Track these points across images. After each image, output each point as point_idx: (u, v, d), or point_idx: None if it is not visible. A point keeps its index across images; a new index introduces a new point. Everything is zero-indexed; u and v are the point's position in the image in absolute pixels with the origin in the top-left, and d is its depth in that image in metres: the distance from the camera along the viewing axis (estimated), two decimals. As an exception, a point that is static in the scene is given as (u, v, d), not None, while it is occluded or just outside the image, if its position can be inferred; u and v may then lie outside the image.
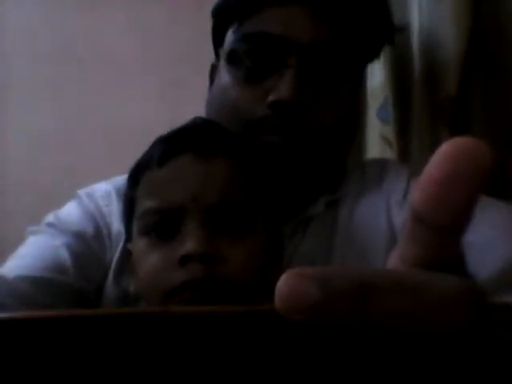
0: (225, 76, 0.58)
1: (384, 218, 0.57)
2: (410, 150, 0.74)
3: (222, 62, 0.59)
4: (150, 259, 0.45)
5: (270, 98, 0.53)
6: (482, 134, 0.71)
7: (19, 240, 0.59)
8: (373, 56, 0.63)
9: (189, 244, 0.43)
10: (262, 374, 0.16)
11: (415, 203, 0.18)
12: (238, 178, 0.47)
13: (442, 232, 0.18)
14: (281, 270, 0.50)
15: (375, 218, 0.57)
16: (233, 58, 0.57)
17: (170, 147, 0.47)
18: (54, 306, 0.50)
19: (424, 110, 0.71)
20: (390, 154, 0.78)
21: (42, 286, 0.50)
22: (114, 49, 1.31)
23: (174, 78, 1.26)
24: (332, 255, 0.56)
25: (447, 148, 0.17)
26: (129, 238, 0.51)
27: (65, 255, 0.54)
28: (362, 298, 0.16)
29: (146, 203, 0.47)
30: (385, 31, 0.60)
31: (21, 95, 1.33)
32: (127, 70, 1.31)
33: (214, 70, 0.64)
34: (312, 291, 0.16)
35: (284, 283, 0.16)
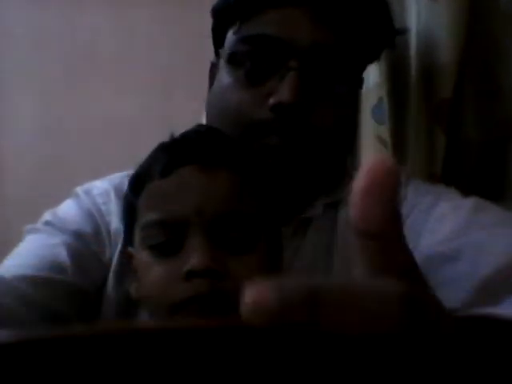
0: (225, 77, 0.58)
1: None
2: (406, 150, 0.75)
3: (223, 63, 0.59)
4: (154, 273, 0.45)
5: (271, 100, 0.53)
6: (474, 135, 0.73)
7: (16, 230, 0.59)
8: (373, 58, 0.63)
9: (194, 260, 0.43)
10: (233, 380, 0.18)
11: (350, 216, 0.21)
12: (241, 190, 0.47)
13: (374, 239, 0.21)
14: (281, 272, 0.50)
15: None
16: (233, 60, 0.57)
17: (173, 158, 0.47)
18: (52, 305, 0.50)
19: (420, 112, 0.72)
20: (384, 153, 0.79)
21: (41, 286, 0.50)
22: (101, 44, 1.31)
23: (163, 68, 1.26)
24: (332, 257, 0.56)
25: (366, 166, 0.21)
26: (129, 240, 0.51)
27: (63, 254, 0.53)
28: (309, 305, 0.18)
29: (148, 215, 0.47)
30: (386, 34, 0.60)
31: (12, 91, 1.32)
32: (116, 64, 1.30)
33: (213, 68, 0.64)
34: (269, 300, 0.18)
35: (247, 295, 0.18)
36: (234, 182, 0.47)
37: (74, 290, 0.52)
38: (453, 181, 0.67)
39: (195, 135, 0.50)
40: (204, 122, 0.99)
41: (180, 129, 0.52)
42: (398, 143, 0.76)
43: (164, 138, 0.52)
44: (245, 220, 0.46)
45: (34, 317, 0.48)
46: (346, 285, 0.20)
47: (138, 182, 0.49)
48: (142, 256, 0.47)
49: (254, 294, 0.18)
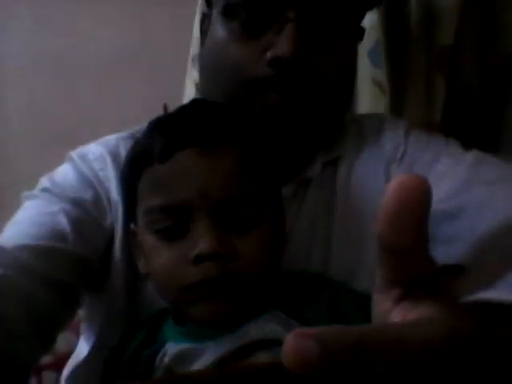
0: (219, 30, 0.55)
1: (382, 177, 0.57)
2: (404, 96, 0.74)
3: (216, 14, 0.56)
4: (161, 257, 0.45)
5: (270, 54, 0.50)
6: (474, 81, 0.71)
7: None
8: (373, 5, 0.60)
9: (202, 244, 0.43)
10: None
11: (376, 232, 0.22)
12: (243, 170, 0.46)
13: (399, 255, 0.22)
14: (285, 243, 0.51)
15: (374, 177, 0.57)
16: (228, 11, 0.54)
17: (171, 142, 0.46)
18: (54, 274, 0.49)
19: (420, 57, 0.70)
20: (381, 97, 0.77)
21: (42, 255, 0.49)
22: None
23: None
24: (333, 216, 0.56)
25: (395, 185, 0.21)
26: (130, 217, 0.51)
27: (63, 222, 0.53)
28: (354, 354, 0.19)
29: (150, 200, 0.46)
30: None
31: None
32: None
33: (205, 20, 0.61)
34: (311, 350, 0.18)
35: (289, 342, 0.18)
36: (235, 161, 0.46)
37: (75, 258, 0.52)
38: (451, 129, 0.66)
39: (192, 115, 0.49)
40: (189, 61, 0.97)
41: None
42: (396, 88, 0.75)
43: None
44: (249, 199, 0.46)
45: (37, 287, 0.47)
46: (389, 332, 0.20)
47: (137, 165, 0.48)
48: (147, 239, 0.47)
49: (295, 343, 0.18)
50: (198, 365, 0.43)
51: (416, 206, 0.21)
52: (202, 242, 0.43)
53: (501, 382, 0.22)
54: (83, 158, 0.59)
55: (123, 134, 0.62)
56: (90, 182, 0.57)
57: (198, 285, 0.43)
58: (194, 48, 0.93)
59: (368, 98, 0.79)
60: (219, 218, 0.44)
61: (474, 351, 0.21)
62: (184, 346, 0.45)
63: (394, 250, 0.22)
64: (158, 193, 0.46)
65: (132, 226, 0.51)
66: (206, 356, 0.43)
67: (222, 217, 0.44)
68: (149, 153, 0.47)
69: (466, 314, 0.24)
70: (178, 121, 0.48)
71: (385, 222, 0.22)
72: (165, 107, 0.52)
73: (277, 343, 0.41)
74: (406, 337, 0.20)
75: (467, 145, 0.58)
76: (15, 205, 0.57)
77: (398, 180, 0.21)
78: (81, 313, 0.61)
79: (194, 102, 0.52)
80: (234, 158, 0.46)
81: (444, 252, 0.49)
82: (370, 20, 0.74)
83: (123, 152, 0.58)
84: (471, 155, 0.56)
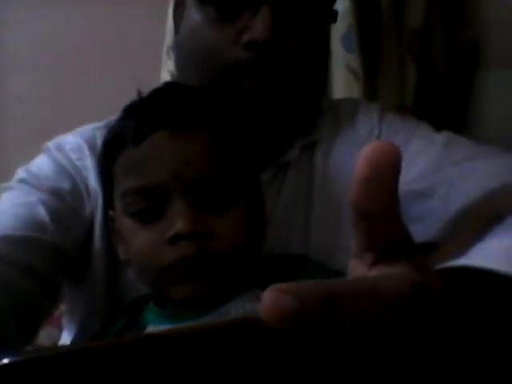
0: (194, 15, 0.55)
1: None
2: (377, 81, 0.75)
3: (191, 0, 0.56)
4: (139, 239, 0.46)
5: (246, 38, 0.51)
6: (442, 64, 0.73)
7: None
8: None
9: (178, 224, 0.43)
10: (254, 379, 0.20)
11: (351, 198, 0.23)
12: (216, 149, 0.46)
13: (373, 220, 0.23)
14: (264, 227, 0.51)
15: (350, 160, 0.58)
16: None
17: (144, 124, 0.46)
18: (33, 264, 0.49)
19: (391, 41, 0.71)
20: (355, 83, 0.78)
21: (20, 245, 0.49)
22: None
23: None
24: (311, 201, 0.57)
25: (367, 152, 0.22)
26: (109, 204, 0.51)
27: (42, 212, 0.53)
28: (328, 306, 0.19)
29: (125, 183, 0.46)
30: None
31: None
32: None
33: (179, 7, 0.61)
34: (288, 304, 0.19)
35: (266, 298, 0.19)
36: (208, 142, 0.46)
37: (54, 248, 0.52)
38: (423, 112, 0.68)
39: (164, 97, 0.49)
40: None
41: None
42: (369, 73, 0.76)
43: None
44: (223, 179, 0.46)
45: (16, 276, 0.47)
46: (361, 283, 0.21)
47: (111, 149, 0.49)
48: (125, 223, 0.47)
49: (274, 298, 0.19)
50: None
51: (387, 170, 0.22)
52: (178, 221, 0.43)
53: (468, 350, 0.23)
54: (59, 148, 0.59)
55: (100, 123, 0.62)
56: (66, 171, 0.57)
57: (176, 265, 0.44)
58: (169, 38, 0.93)
59: (342, 84, 0.80)
60: (195, 198, 0.45)
61: (442, 309, 0.22)
62: (164, 327, 0.45)
63: (367, 215, 0.23)
64: (132, 175, 0.46)
65: (111, 212, 0.51)
66: (187, 336, 0.43)
67: (198, 197, 0.45)
68: (122, 136, 0.47)
69: (437, 275, 0.25)
70: (151, 103, 0.49)
71: (358, 188, 0.22)
72: (138, 92, 0.52)
73: (257, 322, 0.42)
74: (379, 287, 0.21)
75: (437, 127, 0.59)
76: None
77: (369, 147, 0.22)
78: (62, 307, 0.61)
79: (166, 84, 0.53)
80: (206, 139, 0.46)
81: (416, 230, 0.50)
82: (342, 5, 0.75)
83: (100, 141, 0.58)
84: (442, 136, 0.57)
